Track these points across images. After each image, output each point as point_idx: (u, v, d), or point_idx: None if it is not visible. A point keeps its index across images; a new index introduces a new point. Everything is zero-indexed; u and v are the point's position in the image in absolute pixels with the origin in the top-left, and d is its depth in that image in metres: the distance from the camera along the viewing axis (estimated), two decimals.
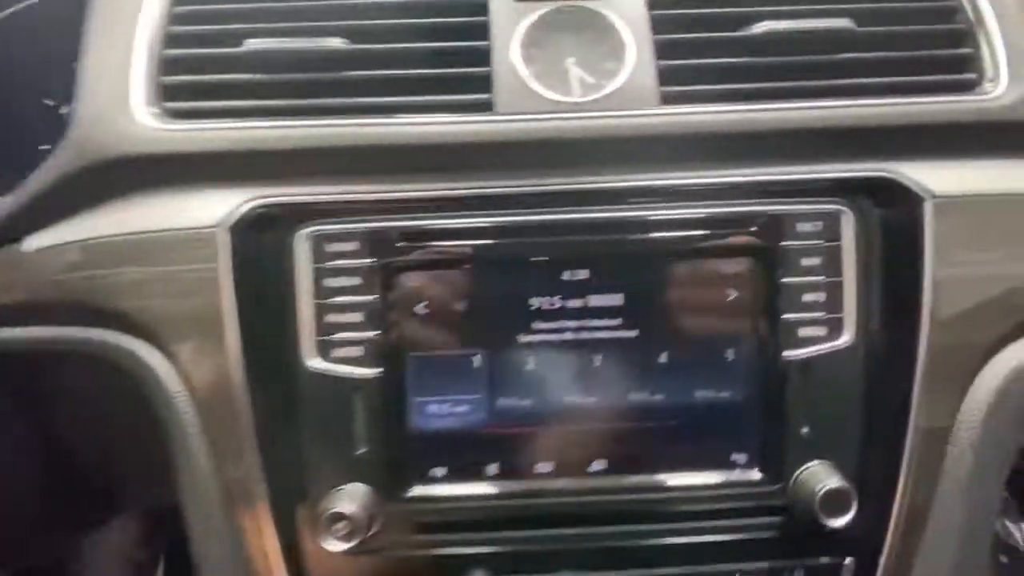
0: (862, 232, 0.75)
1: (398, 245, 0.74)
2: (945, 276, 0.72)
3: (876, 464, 0.76)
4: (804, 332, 0.75)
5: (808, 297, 0.75)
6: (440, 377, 0.76)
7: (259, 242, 0.73)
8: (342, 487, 0.74)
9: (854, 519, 0.72)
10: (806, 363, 0.75)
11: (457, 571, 0.77)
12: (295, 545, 0.75)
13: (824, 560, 0.78)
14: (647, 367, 0.76)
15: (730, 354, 0.76)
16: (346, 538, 0.71)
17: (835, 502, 0.72)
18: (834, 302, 0.75)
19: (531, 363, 0.77)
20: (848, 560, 0.78)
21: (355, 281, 0.74)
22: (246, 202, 0.72)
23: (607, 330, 0.76)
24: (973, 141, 0.76)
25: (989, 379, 0.73)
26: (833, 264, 0.75)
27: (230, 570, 0.74)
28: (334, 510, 0.71)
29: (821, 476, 0.74)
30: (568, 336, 0.76)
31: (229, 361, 0.71)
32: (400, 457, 0.76)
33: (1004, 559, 1.18)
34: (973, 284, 0.73)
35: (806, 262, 0.75)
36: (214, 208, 0.71)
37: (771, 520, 0.77)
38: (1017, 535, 1.27)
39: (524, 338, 0.76)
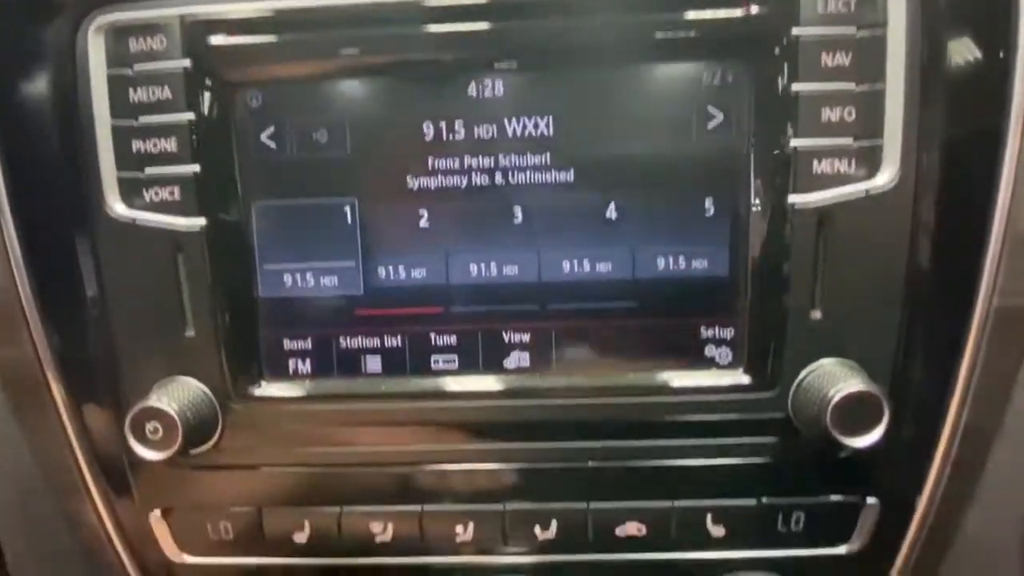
0: (917, 11, 0.49)
1: (228, 40, 0.52)
2: None
3: (921, 363, 0.52)
4: (823, 167, 0.50)
5: (831, 114, 0.50)
6: (297, 235, 0.55)
7: (28, 34, 0.52)
8: (164, 381, 0.56)
9: (884, 440, 0.50)
10: (824, 214, 0.51)
11: (327, 497, 0.58)
12: (106, 454, 0.57)
13: (835, 499, 0.56)
14: (588, 224, 0.54)
15: (709, 205, 0.53)
16: (162, 445, 0.53)
17: (857, 412, 0.49)
18: (870, 121, 0.50)
19: (424, 218, 0.55)
20: (871, 501, 0.56)
21: (167, 93, 0.52)
22: None
23: (531, 171, 0.54)
24: None
25: None
26: (872, 63, 0.49)
27: (19, 489, 0.57)
28: (141, 406, 0.52)
29: (836, 377, 0.51)
30: (476, 180, 0.54)
31: None
32: (244, 344, 0.56)
33: None
34: None
35: (830, 60, 0.50)
36: None
37: (760, 441, 0.55)
38: None
39: (414, 181, 0.54)
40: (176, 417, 0.52)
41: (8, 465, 0.57)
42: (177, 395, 0.54)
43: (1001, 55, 0.47)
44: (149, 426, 0.52)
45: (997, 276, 0.49)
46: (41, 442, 0.57)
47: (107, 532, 0.59)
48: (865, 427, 0.49)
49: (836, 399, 0.49)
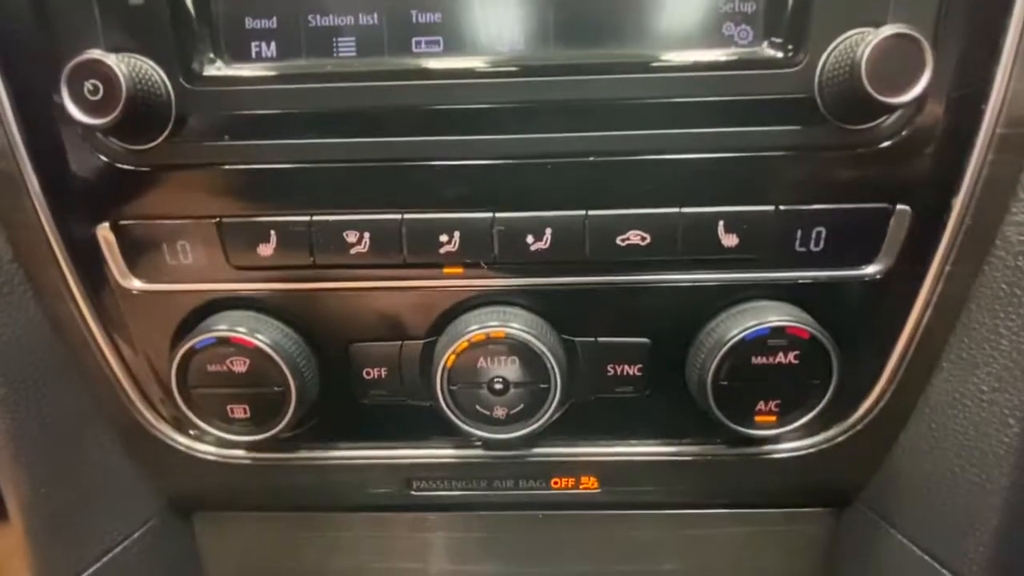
0: None
1: None
2: None
3: (966, 22, 0.46)
4: None
5: None
6: None
7: None
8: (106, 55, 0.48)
9: (921, 100, 0.44)
10: None
11: (296, 202, 0.51)
12: (46, 143, 0.50)
13: (860, 206, 0.50)
14: None
15: None
16: (101, 108, 0.45)
17: (896, 60, 0.42)
18: None
19: None
20: (900, 208, 0.50)
21: None
22: None
23: None
24: None
25: None
26: None
27: None
28: (83, 58, 0.45)
29: (869, 39, 0.44)
30: None
31: None
32: (198, 19, 0.48)
33: None
34: None
35: None
36: None
37: (783, 129, 0.48)
38: None
39: None
40: (119, 74, 0.45)
41: None
42: (124, 61, 0.47)
43: None
44: (88, 84, 0.45)
45: None
46: None
47: (50, 247, 0.53)
48: (906, 79, 0.43)
49: (874, 43, 0.43)
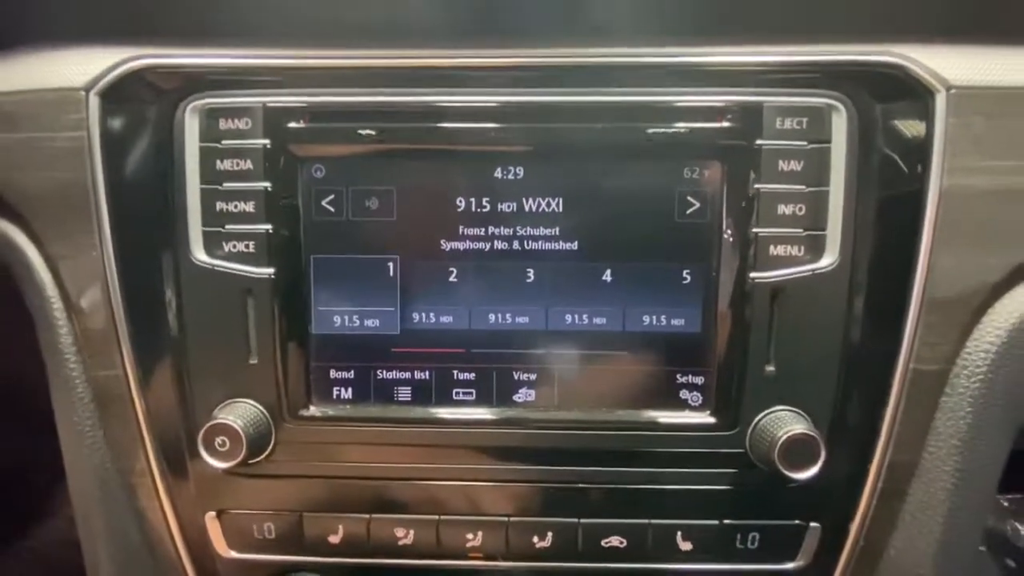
0: (855, 131, 0.62)
1: (301, 125, 0.64)
2: (955, 186, 0.58)
3: (854, 412, 0.64)
4: (777, 251, 0.62)
5: (785, 208, 0.62)
6: (347, 284, 0.66)
7: (138, 112, 0.63)
8: (229, 402, 0.66)
9: (821, 474, 0.61)
10: (777, 288, 0.63)
11: (360, 506, 0.68)
12: (175, 461, 0.68)
13: (784, 523, 0.67)
14: (588, 286, 0.65)
15: (686, 275, 0.65)
16: (227, 456, 0.63)
17: (800, 451, 0.60)
18: (816, 216, 0.62)
19: (454, 274, 0.66)
20: (813, 525, 0.68)
21: (248, 165, 0.64)
22: (123, 62, 0.62)
23: (543, 240, 0.65)
24: (994, 23, 0.62)
25: (1000, 318, 0.60)
26: (818, 170, 0.62)
27: (99, 487, 0.67)
28: (213, 423, 0.63)
29: (785, 421, 0.63)
30: (498, 245, 0.66)
31: (100, 245, 0.62)
32: (297, 372, 0.66)
33: (1012, 563, 1.05)
34: (989, 197, 0.59)
35: (785, 166, 0.62)
36: (86, 66, 0.61)
37: (723, 471, 0.66)
38: None
39: (447, 245, 0.66)
40: (242, 433, 0.62)
41: (90, 471, 0.67)
42: (241, 413, 0.64)
43: (919, 168, 0.60)
44: (218, 440, 0.63)
45: (913, 345, 0.61)
46: (121, 449, 0.67)
47: (168, 528, 0.69)
48: (806, 463, 0.61)
49: (782, 440, 0.60)
